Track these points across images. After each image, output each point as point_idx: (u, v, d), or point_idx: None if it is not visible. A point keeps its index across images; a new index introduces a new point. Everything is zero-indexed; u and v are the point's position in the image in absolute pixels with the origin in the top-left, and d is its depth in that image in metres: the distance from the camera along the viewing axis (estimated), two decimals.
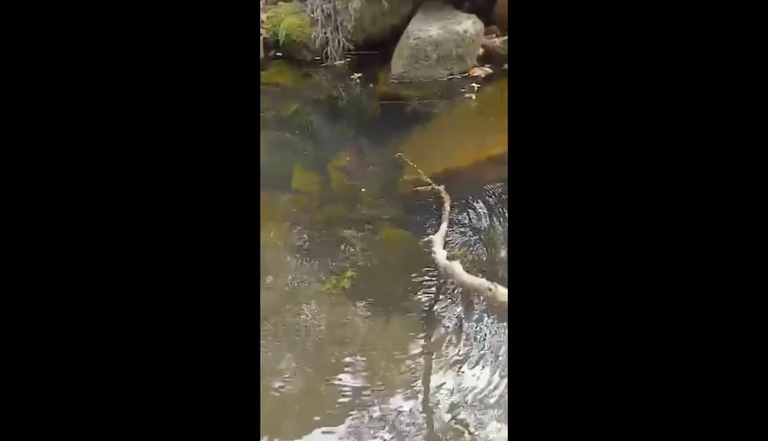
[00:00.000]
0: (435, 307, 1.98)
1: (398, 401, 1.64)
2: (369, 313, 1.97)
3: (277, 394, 1.68)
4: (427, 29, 3.69)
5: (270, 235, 2.36)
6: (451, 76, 3.76)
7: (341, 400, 1.65)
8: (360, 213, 2.51)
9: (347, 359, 1.79)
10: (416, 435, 1.54)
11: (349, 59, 4.10)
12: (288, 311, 1.99)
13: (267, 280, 2.12)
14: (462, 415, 1.58)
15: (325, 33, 4.04)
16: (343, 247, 2.31)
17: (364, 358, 1.80)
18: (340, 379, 1.72)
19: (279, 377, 1.74)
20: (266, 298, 2.02)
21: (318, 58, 4.12)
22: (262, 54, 4.11)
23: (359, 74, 3.89)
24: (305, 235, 2.40)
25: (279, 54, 4.23)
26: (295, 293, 2.08)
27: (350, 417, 1.60)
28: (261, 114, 3.54)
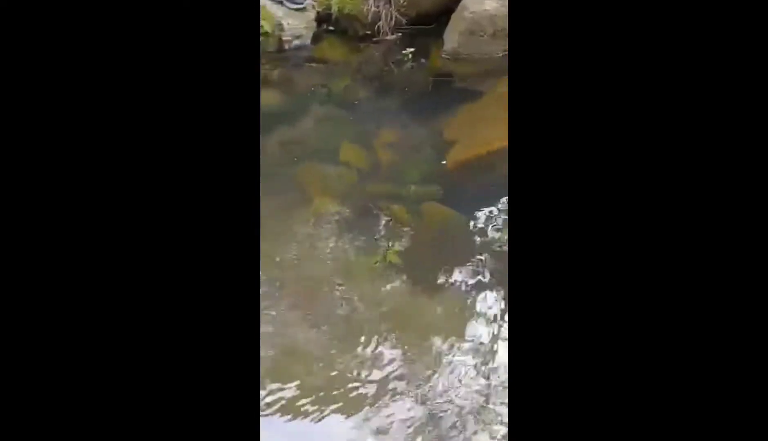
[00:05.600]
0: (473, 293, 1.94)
1: (430, 379, 1.62)
2: (413, 289, 1.97)
3: (309, 366, 1.71)
4: (483, 2, 3.55)
5: (316, 208, 2.38)
6: (506, 53, 3.62)
7: (372, 373, 1.66)
8: (407, 189, 2.48)
9: (388, 333, 1.80)
10: (444, 412, 1.52)
11: (400, 34, 4.02)
12: (331, 283, 2.00)
13: (313, 251, 2.14)
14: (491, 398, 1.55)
15: (377, 6, 3.97)
16: (390, 222, 2.30)
17: (402, 335, 1.80)
18: (377, 353, 1.73)
19: (315, 347, 1.76)
20: (311, 269, 2.05)
21: (369, 32, 4.06)
22: (314, 27, 4.10)
23: (411, 49, 3.81)
24: (351, 209, 2.40)
25: (331, 28, 4.21)
26: (339, 266, 2.09)
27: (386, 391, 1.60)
28: (312, 88, 3.57)
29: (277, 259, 2.09)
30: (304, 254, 2.13)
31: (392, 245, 2.15)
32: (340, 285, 1.99)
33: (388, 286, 1.98)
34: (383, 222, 2.30)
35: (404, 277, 2.01)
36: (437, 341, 1.75)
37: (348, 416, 1.55)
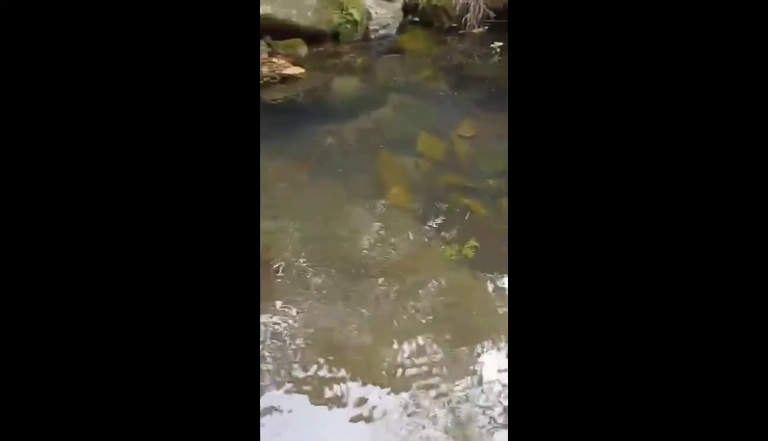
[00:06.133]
0: None
1: (466, 381, 1.58)
2: (486, 285, 1.92)
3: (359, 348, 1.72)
4: None
5: (391, 197, 2.39)
6: None
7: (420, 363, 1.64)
8: (485, 183, 2.43)
9: (448, 326, 1.77)
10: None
11: (487, 27, 3.93)
12: (405, 272, 2.00)
13: (390, 240, 2.16)
14: None
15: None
16: (467, 216, 2.26)
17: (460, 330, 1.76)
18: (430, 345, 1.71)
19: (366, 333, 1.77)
20: (381, 256, 2.06)
21: (455, 25, 4.01)
22: (401, 18, 4.11)
23: (500, 43, 3.71)
24: (427, 199, 2.39)
25: (416, 19, 4.20)
26: (414, 256, 2.09)
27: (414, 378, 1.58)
28: (394, 78, 3.58)
29: (351, 246, 2.13)
30: (377, 241, 2.15)
31: (468, 239, 2.12)
32: (409, 275, 1.99)
33: (459, 280, 1.95)
34: (459, 215, 2.27)
35: (477, 272, 1.97)
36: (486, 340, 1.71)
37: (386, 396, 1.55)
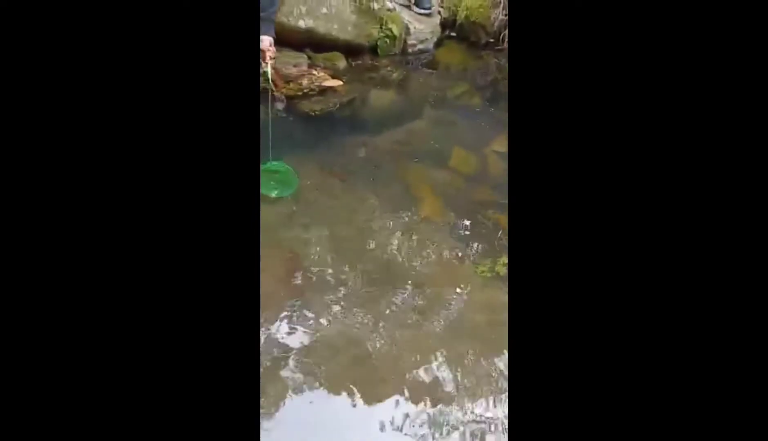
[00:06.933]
0: None
1: (482, 405, 1.59)
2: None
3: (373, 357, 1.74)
4: None
5: (422, 210, 2.42)
6: None
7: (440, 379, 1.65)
8: None
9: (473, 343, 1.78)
10: None
11: None
12: (434, 286, 2.03)
13: (420, 252, 2.19)
14: None
15: (505, 15, 3.93)
16: (499, 233, 2.27)
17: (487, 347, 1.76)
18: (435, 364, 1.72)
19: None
20: (410, 269, 2.09)
21: (492, 40, 4.03)
22: (439, 33, 4.16)
23: None
24: (458, 214, 2.41)
25: (453, 34, 4.24)
26: (444, 270, 2.11)
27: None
28: (430, 93, 3.63)
29: (380, 256, 2.17)
30: (407, 253, 2.18)
31: (501, 256, 2.12)
32: (438, 289, 2.01)
33: (490, 296, 1.96)
34: (492, 231, 2.28)
35: (505, 290, 1.97)
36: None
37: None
